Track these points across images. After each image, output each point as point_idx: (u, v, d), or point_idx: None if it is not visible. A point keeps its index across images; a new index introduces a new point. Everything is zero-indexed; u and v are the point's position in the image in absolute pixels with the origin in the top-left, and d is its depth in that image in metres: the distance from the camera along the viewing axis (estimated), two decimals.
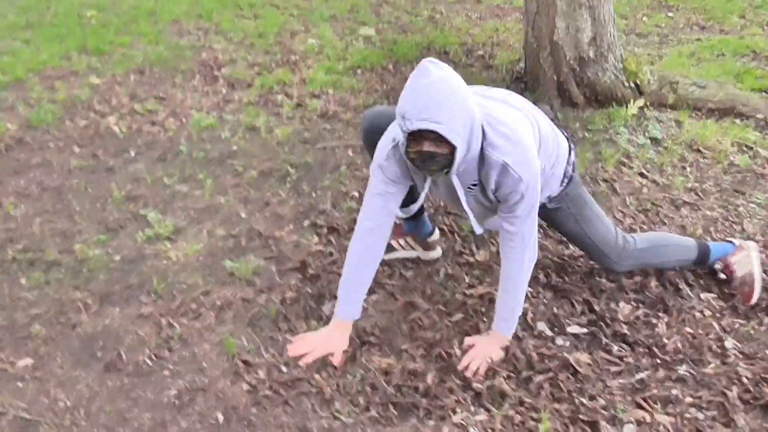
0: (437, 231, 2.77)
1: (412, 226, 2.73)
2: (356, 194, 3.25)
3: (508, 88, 4.41)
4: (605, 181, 3.44)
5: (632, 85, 4.19)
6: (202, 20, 5.98)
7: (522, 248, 2.11)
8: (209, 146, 3.72)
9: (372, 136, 2.24)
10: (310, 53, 5.20)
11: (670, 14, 6.65)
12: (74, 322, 2.42)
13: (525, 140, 2.00)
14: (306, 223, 3.00)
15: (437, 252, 2.77)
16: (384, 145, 2.11)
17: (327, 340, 2.22)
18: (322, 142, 3.79)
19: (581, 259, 2.78)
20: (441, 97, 1.77)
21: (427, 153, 1.86)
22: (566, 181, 2.37)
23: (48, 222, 3.01)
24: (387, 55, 5.15)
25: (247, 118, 4.06)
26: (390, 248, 2.74)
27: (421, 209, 2.69)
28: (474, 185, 2.08)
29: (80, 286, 2.60)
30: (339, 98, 4.39)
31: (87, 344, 2.33)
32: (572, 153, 2.39)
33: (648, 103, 4.19)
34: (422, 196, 2.18)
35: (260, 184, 3.34)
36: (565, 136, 2.39)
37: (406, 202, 2.45)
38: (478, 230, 2.18)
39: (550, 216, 2.46)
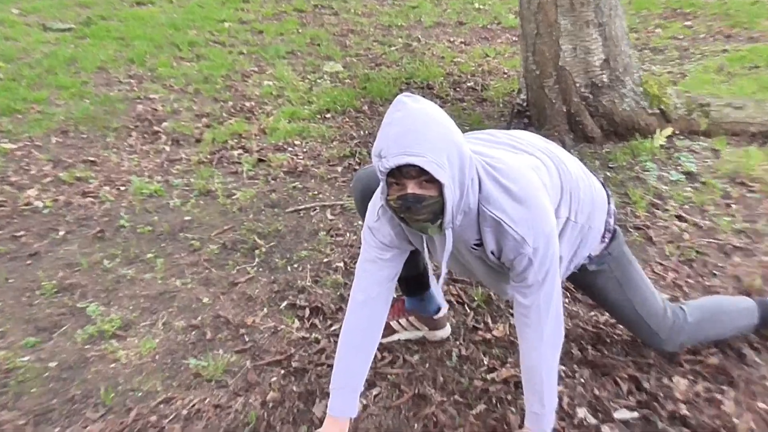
0: (445, 305, 2.77)
1: (415, 302, 2.72)
2: (341, 265, 3.25)
3: (508, 124, 4.60)
4: (637, 228, 3.44)
5: (656, 111, 4.25)
6: (134, 66, 6.01)
7: (539, 325, 2.06)
8: (156, 218, 3.71)
9: (367, 201, 2.24)
10: (267, 98, 5.24)
11: (688, 23, 6.82)
12: None
13: (531, 193, 1.99)
14: (283, 304, 3.00)
15: (446, 330, 2.78)
16: (374, 203, 2.14)
17: None
18: (294, 204, 3.80)
19: (620, 326, 2.77)
20: (420, 128, 1.80)
21: (412, 197, 1.85)
22: (608, 236, 2.36)
23: None
24: (360, 95, 5.19)
25: (200, 180, 4.07)
26: (389, 330, 2.73)
27: (426, 282, 2.68)
28: (477, 245, 2.08)
29: (8, 403, 2.52)
30: (308, 150, 4.40)
31: None
32: (611, 201, 2.38)
33: (676, 132, 4.25)
34: (429, 267, 2.19)
35: (223, 261, 3.33)
36: (600, 181, 2.40)
37: (413, 278, 2.41)
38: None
39: (589, 282, 2.45)
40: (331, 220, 3.67)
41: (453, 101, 5.06)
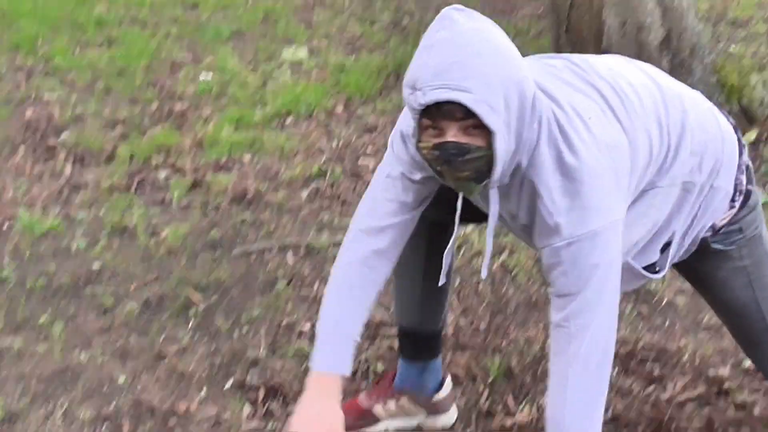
0: (449, 379, 2.76)
1: (411, 374, 2.68)
2: (306, 328, 3.20)
3: None
4: None
5: (736, 107, 4.28)
6: (21, 54, 5.99)
7: (570, 356, 2.04)
8: (53, 266, 3.62)
9: None
10: (205, 97, 5.23)
11: None
12: None
13: (592, 174, 1.97)
14: (228, 384, 2.97)
15: (451, 415, 2.76)
16: None
17: (317, 421, 2.19)
18: (242, 244, 3.80)
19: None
20: (471, 55, 1.83)
21: (453, 146, 1.87)
22: (740, 199, 2.28)
23: None
24: (332, 91, 5.20)
25: (113, 213, 4.00)
26: (370, 418, 2.71)
27: (436, 347, 2.67)
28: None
29: None
30: (261, 168, 4.42)
31: None
32: (744, 149, 2.32)
33: (764, 137, 4.24)
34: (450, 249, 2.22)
35: (145, 325, 3.27)
36: (731, 123, 2.34)
37: (425, 335, 2.50)
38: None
39: (705, 270, 2.39)
40: (293, 265, 3.62)
41: None
